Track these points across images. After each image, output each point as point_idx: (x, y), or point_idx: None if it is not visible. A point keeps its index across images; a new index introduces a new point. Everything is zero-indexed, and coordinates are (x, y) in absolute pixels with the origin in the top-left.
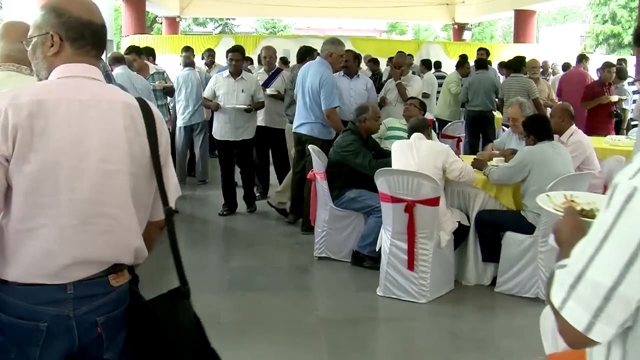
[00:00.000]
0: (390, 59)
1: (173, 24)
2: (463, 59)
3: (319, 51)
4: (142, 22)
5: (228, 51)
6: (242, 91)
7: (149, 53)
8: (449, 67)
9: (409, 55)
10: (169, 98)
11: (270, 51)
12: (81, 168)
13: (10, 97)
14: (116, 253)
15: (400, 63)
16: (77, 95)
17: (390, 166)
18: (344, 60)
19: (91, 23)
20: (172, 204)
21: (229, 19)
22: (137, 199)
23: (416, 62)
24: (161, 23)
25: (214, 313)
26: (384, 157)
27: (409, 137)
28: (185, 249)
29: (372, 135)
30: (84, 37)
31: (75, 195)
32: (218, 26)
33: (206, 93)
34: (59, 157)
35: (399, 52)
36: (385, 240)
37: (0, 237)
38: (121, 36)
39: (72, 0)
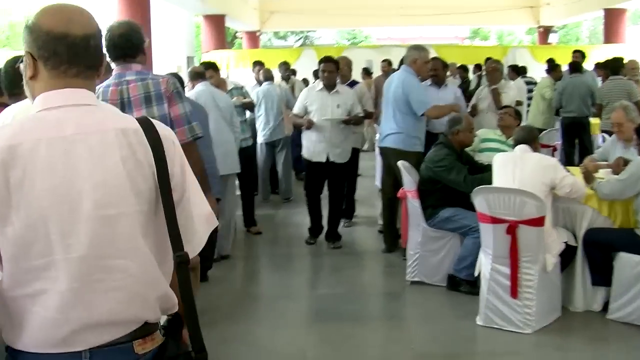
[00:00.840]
0: (477, 66)
1: (253, 38)
2: (554, 62)
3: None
4: (222, 38)
5: (320, 61)
6: (338, 106)
7: (198, 76)
8: (536, 72)
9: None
10: (248, 113)
11: (344, 61)
12: (73, 220)
13: None
14: (133, 310)
15: (495, 68)
16: (59, 131)
17: (488, 181)
18: (431, 68)
19: (65, 36)
20: (194, 247)
21: (309, 31)
22: (156, 239)
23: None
24: (241, 38)
25: (300, 348)
26: (480, 172)
27: (514, 148)
28: (269, 274)
29: (466, 148)
30: (56, 54)
31: (71, 253)
32: (299, 39)
33: (296, 109)
34: (45, 211)
35: (488, 58)
36: (485, 265)
37: (3, 303)
38: (202, 52)
39: (46, 11)
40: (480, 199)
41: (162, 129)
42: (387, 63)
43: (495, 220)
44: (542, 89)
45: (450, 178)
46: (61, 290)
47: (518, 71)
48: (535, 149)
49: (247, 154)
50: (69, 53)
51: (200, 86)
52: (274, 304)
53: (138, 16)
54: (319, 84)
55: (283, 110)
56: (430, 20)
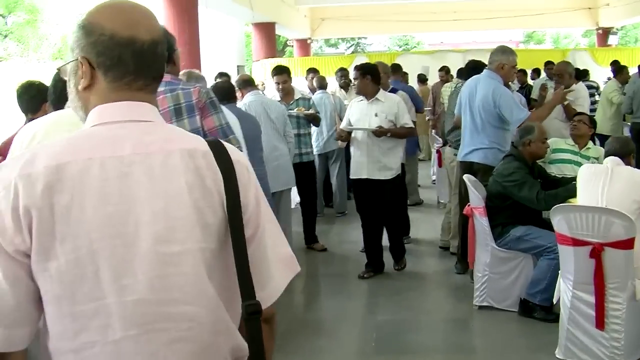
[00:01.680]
0: (534, 70)
1: (304, 46)
2: (620, 64)
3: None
4: (273, 46)
5: (272, 73)
6: (376, 115)
7: (248, 84)
8: (598, 75)
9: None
10: (313, 127)
11: (382, 68)
12: (130, 256)
13: (23, 162)
14: None
15: (562, 70)
16: (115, 149)
17: (563, 198)
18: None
19: (133, 41)
20: (269, 295)
21: (360, 38)
22: (222, 282)
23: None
24: (292, 46)
25: None
26: (554, 186)
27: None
28: (325, 297)
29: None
30: (122, 63)
31: (127, 296)
32: (350, 46)
33: (343, 123)
34: (95, 244)
35: (547, 62)
36: (565, 292)
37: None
38: (253, 61)
39: (107, 9)
40: (559, 219)
41: (235, 153)
42: (445, 71)
43: (577, 242)
44: (609, 93)
45: (521, 195)
46: (115, 341)
47: (579, 75)
48: (627, 164)
49: (308, 168)
50: (136, 62)
51: (250, 96)
52: (330, 334)
53: (186, 26)
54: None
55: (337, 121)
56: (484, 24)
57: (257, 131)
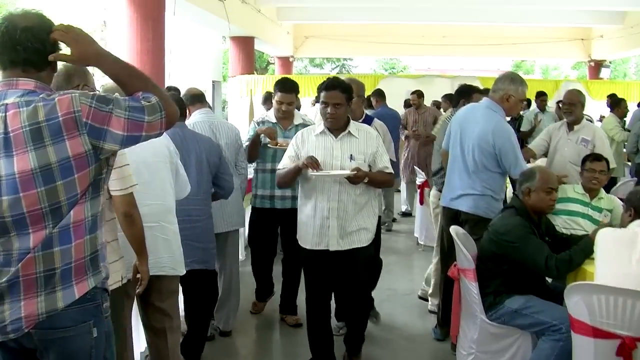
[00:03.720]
0: (540, 96)
1: (286, 64)
2: (617, 97)
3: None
4: (251, 61)
5: (276, 87)
6: (351, 158)
7: (197, 100)
8: (592, 109)
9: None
10: None
11: (357, 89)
12: None
13: None
14: None
15: (574, 100)
16: None
17: (579, 263)
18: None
19: None
20: None
21: (346, 59)
22: None
23: (552, 104)
24: (274, 63)
25: None
26: (564, 246)
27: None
28: None
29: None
30: None
31: None
32: (335, 67)
33: (283, 163)
34: None
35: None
36: None
37: None
38: (229, 76)
39: None
40: (577, 301)
41: None
42: (417, 95)
43: (599, 334)
44: (609, 130)
45: (525, 257)
46: None
47: None
48: None
49: (290, 214)
50: None
51: (198, 114)
52: None
53: (150, 31)
54: (319, 125)
55: None
56: (473, 51)
57: (213, 155)
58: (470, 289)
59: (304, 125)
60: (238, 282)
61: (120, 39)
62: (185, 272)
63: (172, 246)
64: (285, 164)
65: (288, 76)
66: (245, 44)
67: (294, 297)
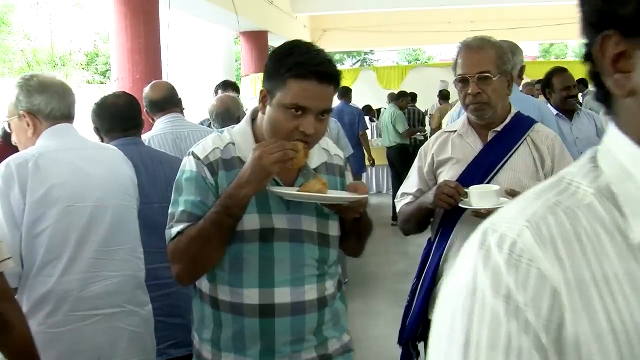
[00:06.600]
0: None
1: None
2: None
3: None
4: (265, 58)
5: None
6: None
7: (157, 108)
8: None
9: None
10: None
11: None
12: None
13: None
14: None
15: None
16: None
17: None
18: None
19: None
20: None
21: (367, 53)
22: None
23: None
24: None
25: None
26: None
27: None
28: None
29: None
30: None
31: None
32: (356, 62)
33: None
34: None
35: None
36: None
37: None
38: (241, 75)
39: None
40: None
41: None
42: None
43: None
44: None
45: None
46: None
47: None
48: None
49: None
50: None
51: (162, 123)
52: None
53: (141, 26)
54: None
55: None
56: (502, 35)
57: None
58: None
59: None
60: None
61: (109, 37)
62: None
63: (145, 341)
64: None
65: None
66: (257, 39)
67: None
